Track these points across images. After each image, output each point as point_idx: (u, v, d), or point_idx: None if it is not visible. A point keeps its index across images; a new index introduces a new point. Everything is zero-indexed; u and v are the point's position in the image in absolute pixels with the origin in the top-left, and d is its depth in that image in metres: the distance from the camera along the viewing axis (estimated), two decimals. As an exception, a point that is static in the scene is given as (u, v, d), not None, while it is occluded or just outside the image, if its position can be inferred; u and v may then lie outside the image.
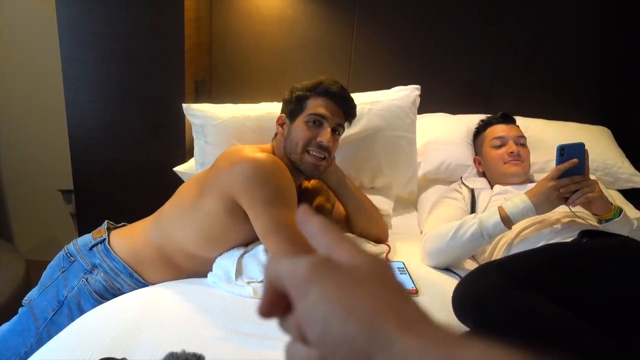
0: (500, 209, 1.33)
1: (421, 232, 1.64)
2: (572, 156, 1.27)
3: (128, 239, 1.36)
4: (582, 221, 1.37)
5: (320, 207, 1.48)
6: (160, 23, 1.83)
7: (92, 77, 1.89)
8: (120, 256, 1.32)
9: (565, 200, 1.29)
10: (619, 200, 1.83)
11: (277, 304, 0.30)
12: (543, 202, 1.29)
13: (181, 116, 1.80)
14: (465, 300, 0.95)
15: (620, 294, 0.97)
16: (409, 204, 1.87)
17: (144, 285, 1.32)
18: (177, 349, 0.86)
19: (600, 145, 1.95)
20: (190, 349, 1.03)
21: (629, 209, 1.82)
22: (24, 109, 2.34)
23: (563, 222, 1.38)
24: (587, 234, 1.26)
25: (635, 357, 0.89)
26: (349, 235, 1.47)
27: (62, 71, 1.87)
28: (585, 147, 1.29)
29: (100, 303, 1.23)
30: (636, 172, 1.91)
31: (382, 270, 0.30)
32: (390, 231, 1.61)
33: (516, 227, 1.38)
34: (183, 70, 1.86)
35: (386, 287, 0.29)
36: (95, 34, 1.84)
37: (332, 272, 0.29)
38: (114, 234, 1.38)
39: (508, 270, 0.98)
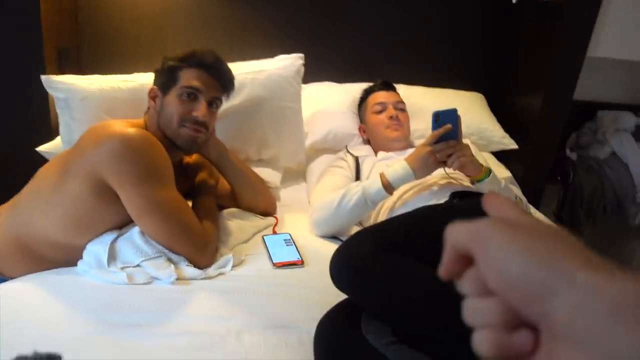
0: (381, 175, 1.36)
1: (309, 203, 1.65)
2: (446, 122, 1.33)
3: (-21, 231, 1.21)
4: (456, 182, 1.45)
5: (202, 182, 1.42)
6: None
7: None
8: (-31, 250, 1.17)
9: (441, 164, 1.35)
10: (491, 161, 1.97)
11: (456, 264, 0.32)
12: (421, 167, 1.34)
13: (44, 90, 1.62)
14: (341, 268, 0.96)
15: None
16: (297, 175, 1.86)
17: (2, 280, 1.18)
18: (29, 348, 0.77)
19: (474, 111, 2.07)
20: (55, 347, 0.93)
21: (501, 170, 1.98)
22: None
23: (440, 184, 1.44)
24: (458, 195, 1.33)
25: None
26: None
27: None
28: (458, 113, 1.35)
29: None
30: (506, 134, 2.06)
31: (561, 230, 0.31)
32: (278, 203, 1.59)
33: (397, 192, 1.42)
34: (41, 37, 1.66)
35: (566, 240, 0.29)
36: None
37: (510, 225, 0.30)
38: (-37, 226, 1.22)
39: (381, 235, 1.00)
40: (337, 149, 1.84)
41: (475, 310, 0.31)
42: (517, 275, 0.28)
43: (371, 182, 1.37)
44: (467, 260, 0.32)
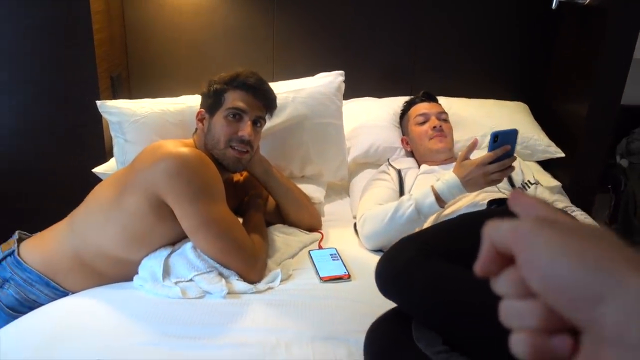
0: (433, 189, 1.36)
1: (354, 217, 1.66)
2: (505, 142, 1.30)
3: (40, 248, 1.28)
4: (504, 195, 1.43)
5: (252, 199, 1.46)
6: (66, 18, 1.71)
7: (1, 80, 1.76)
8: (33, 266, 1.24)
9: (494, 182, 1.34)
10: (537, 171, 1.93)
11: (494, 261, 0.31)
12: (472, 184, 1.33)
13: (98, 115, 1.71)
14: (385, 276, 0.96)
15: None
16: (340, 190, 1.88)
17: (64, 294, 1.25)
18: (96, 358, 0.81)
19: (518, 120, 2.04)
20: (115, 358, 0.98)
21: (547, 179, 1.93)
22: None
23: (486, 197, 1.43)
24: (496, 202, 1.32)
25: None
26: None
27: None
28: (517, 133, 1.32)
29: (15, 318, 1.15)
30: (551, 142, 2.01)
31: (605, 231, 0.30)
32: (323, 218, 1.61)
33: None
34: (95, 66, 1.76)
35: (611, 242, 0.28)
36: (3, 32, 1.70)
37: (556, 226, 0.29)
38: (25, 243, 1.30)
39: (423, 242, 1.01)
40: (379, 163, 1.85)
41: (514, 312, 0.30)
42: (564, 279, 0.27)
43: (423, 195, 1.37)
44: (505, 259, 0.31)
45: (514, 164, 1.33)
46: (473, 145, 1.37)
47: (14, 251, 1.28)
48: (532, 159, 2.00)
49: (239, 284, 1.18)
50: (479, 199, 1.43)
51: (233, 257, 1.21)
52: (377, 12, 2.13)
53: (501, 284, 0.31)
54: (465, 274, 0.91)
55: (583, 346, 0.27)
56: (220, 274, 1.20)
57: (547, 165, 2.04)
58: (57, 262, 1.26)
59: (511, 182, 1.56)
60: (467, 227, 1.06)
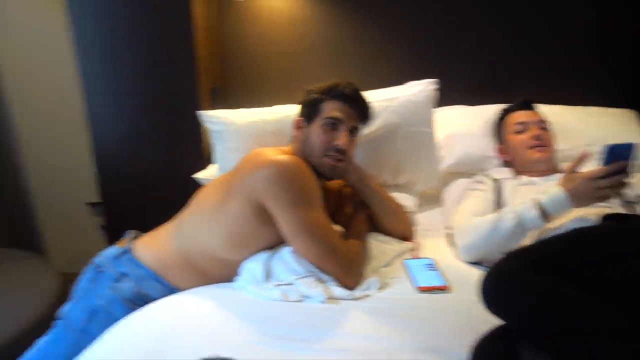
0: (537, 203, 1.29)
1: (446, 227, 1.63)
2: (619, 156, 1.22)
3: (151, 247, 1.38)
4: (618, 210, 1.34)
5: (359, 206, 1.48)
6: (172, 34, 1.85)
7: (111, 90, 1.92)
8: (146, 263, 1.34)
9: (602, 199, 1.25)
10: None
11: None
12: (581, 199, 1.25)
13: (198, 125, 1.83)
14: (492, 291, 0.93)
15: None
16: (432, 199, 1.85)
17: (173, 290, 1.33)
18: (210, 353, 0.86)
19: (626, 129, 1.90)
20: (224, 354, 1.03)
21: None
22: (47, 125, 2.39)
23: (594, 212, 1.34)
24: (610, 217, 1.23)
25: None
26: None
27: (83, 86, 1.91)
28: (635, 148, 1.22)
29: (132, 310, 1.24)
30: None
31: None
32: (415, 227, 1.59)
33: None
34: (197, 79, 1.88)
35: None
36: (110, 49, 1.87)
37: None
38: (138, 242, 1.41)
39: (534, 257, 0.96)
40: (471, 172, 1.80)
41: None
42: None
43: (527, 209, 1.30)
44: None
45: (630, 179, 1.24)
46: (583, 158, 1.29)
47: (128, 249, 1.39)
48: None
49: (337, 290, 1.20)
50: (586, 213, 1.34)
51: (329, 262, 1.23)
52: (468, 17, 2.09)
53: None
54: (581, 294, 0.86)
55: None
56: (319, 279, 1.22)
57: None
58: (166, 260, 1.35)
59: (623, 196, 1.45)
60: (585, 243, 1.00)
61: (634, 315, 0.82)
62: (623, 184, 1.22)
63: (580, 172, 1.26)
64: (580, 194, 1.24)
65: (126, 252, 1.39)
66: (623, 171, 1.22)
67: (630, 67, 2.10)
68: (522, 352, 0.88)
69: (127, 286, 1.32)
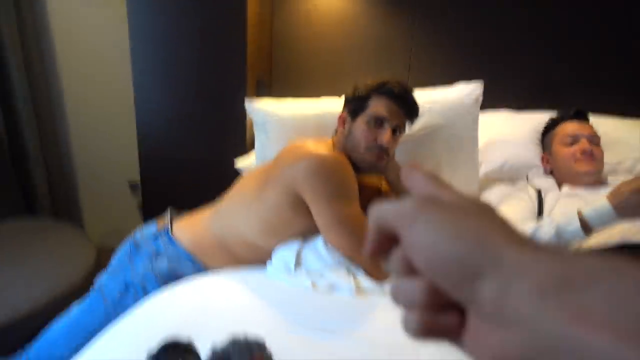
0: (579, 214, 1.25)
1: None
2: None
3: (189, 229, 1.41)
4: None
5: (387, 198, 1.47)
6: (225, 28, 1.89)
7: (160, 77, 1.98)
8: (182, 244, 1.37)
9: None
10: None
11: (382, 243, 0.32)
12: (628, 212, 1.19)
13: (242, 114, 1.85)
14: None
15: None
16: (469, 204, 1.81)
17: (204, 270, 1.36)
18: (246, 333, 0.87)
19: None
20: (252, 335, 1.04)
21: None
22: (95, 107, 2.48)
23: (636, 230, 1.29)
24: None
25: None
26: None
27: (132, 71, 1.97)
28: None
29: (164, 287, 1.28)
30: None
31: (486, 206, 0.30)
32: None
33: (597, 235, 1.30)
34: (245, 71, 1.91)
35: (492, 217, 0.29)
36: (164, 37, 1.93)
37: (438, 205, 0.30)
38: (177, 223, 1.45)
39: None
40: (512, 180, 1.76)
41: (401, 290, 0.30)
42: (442, 256, 0.27)
43: (567, 221, 1.26)
44: (393, 240, 0.31)
45: None
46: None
47: (168, 228, 1.42)
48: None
49: (366, 282, 1.20)
50: (632, 230, 1.29)
51: (361, 254, 1.23)
52: (520, 20, 2.03)
53: (390, 264, 0.31)
54: None
55: (468, 322, 0.27)
56: (349, 270, 1.22)
57: None
58: (203, 242, 1.38)
59: None
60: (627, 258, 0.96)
61: None
62: None
63: (628, 184, 1.21)
64: (627, 206, 1.19)
65: (165, 231, 1.43)
66: None
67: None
68: None
69: (162, 264, 1.36)
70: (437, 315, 0.29)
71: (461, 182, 1.74)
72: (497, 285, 0.25)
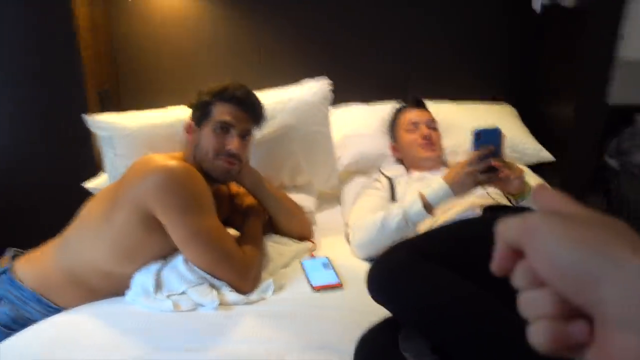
0: (421, 195, 1.36)
1: (346, 225, 1.66)
2: (488, 141, 1.29)
3: (34, 265, 1.29)
4: (494, 202, 1.44)
5: (250, 208, 1.46)
6: (52, 37, 1.73)
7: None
8: (26, 284, 1.24)
9: (481, 183, 1.32)
10: (526, 173, 1.93)
11: (508, 259, 0.32)
12: (460, 187, 1.32)
13: (87, 130, 1.72)
14: (376, 280, 0.97)
15: None
16: (332, 198, 1.88)
17: (57, 310, 1.25)
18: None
19: (506, 123, 2.05)
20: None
21: (536, 180, 1.93)
22: None
23: (480, 204, 1.43)
24: (491, 209, 1.32)
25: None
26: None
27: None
28: (501, 131, 1.31)
29: (9, 335, 1.14)
30: (541, 147, 2.02)
31: (614, 220, 0.30)
32: (315, 227, 1.61)
33: (437, 212, 1.42)
34: (83, 82, 1.77)
35: (618, 230, 0.29)
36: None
37: (562, 216, 0.30)
38: (19, 261, 1.31)
39: (416, 246, 1.01)
40: (369, 171, 1.86)
41: (529, 302, 0.31)
42: (565, 264, 0.28)
43: (411, 204, 1.37)
44: (518, 255, 0.32)
45: (511, 164, 1.32)
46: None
47: (7, 269, 1.28)
48: (521, 162, 2.00)
49: (231, 295, 1.18)
50: (473, 205, 1.43)
51: (223, 268, 1.21)
52: (365, 17, 2.15)
53: (516, 278, 0.32)
54: (456, 278, 0.92)
55: (596, 331, 0.27)
56: (212, 286, 1.20)
57: (537, 168, 2.05)
58: (50, 278, 1.26)
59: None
60: (460, 232, 1.06)
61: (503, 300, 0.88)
62: (493, 168, 1.29)
63: (459, 165, 1.34)
64: (458, 182, 1.31)
65: (4, 272, 1.28)
66: (493, 154, 1.29)
67: (506, 66, 2.28)
68: (400, 343, 0.91)
69: (3, 311, 1.22)
70: (567, 325, 0.28)
71: (322, 178, 1.80)
72: (620, 291, 0.26)
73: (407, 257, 0.97)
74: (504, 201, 1.44)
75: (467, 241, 1.02)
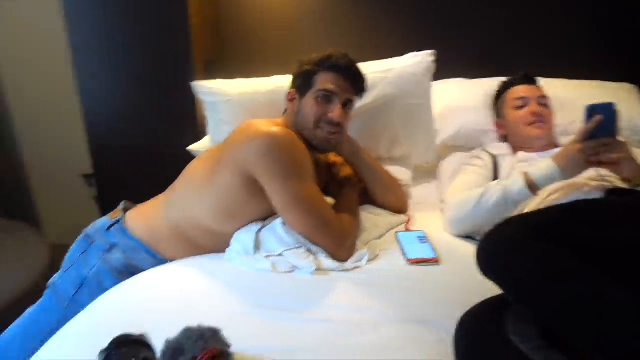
0: (525, 174, 1.28)
1: (441, 201, 1.61)
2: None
3: (142, 218, 1.37)
4: (609, 185, 1.31)
5: (347, 178, 1.46)
6: (164, 4, 1.80)
7: (103, 64, 1.90)
8: (136, 235, 1.33)
9: (593, 164, 1.23)
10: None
11: None
12: (569, 166, 1.22)
13: (192, 97, 1.79)
14: (489, 252, 0.90)
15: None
16: (428, 173, 1.83)
17: (163, 262, 1.33)
18: (195, 324, 0.85)
19: (625, 103, 1.86)
20: (209, 323, 1.03)
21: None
22: (38, 100, 2.37)
23: (591, 185, 1.32)
24: (614, 193, 1.20)
25: None
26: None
27: (73, 60, 1.88)
28: (616, 107, 1.20)
29: (121, 280, 1.24)
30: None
31: None
32: (410, 201, 1.57)
33: (543, 193, 1.32)
34: (190, 50, 1.85)
35: None
36: (102, 22, 1.84)
37: None
38: (130, 213, 1.40)
39: (528, 224, 0.94)
40: (469, 146, 1.78)
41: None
42: None
43: (513, 181, 1.29)
44: None
45: (624, 145, 1.21)
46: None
47: (119, 220, 1.38)
48: (641, 146, 1.81)
49: (327, 261, 1.19)
50: (585, 187, 1.32)
51: (321, 234, 1.22)
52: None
53: None
54: (577, 261, 0.84)
55: None
56: (309, 251, 1.21)
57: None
58: (158, 231, 1.34)
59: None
60: (582, 212, 0.97)
61: (627, 285, 0.80)
62: (607, 145, 1.19)
63: (572, 144, 1.23)
64: (566, 159, 1.21)
65: (117, 223, 1.38)
66: (607, 132, 1.19)
67: (628, 41, 2.05)
68: (509, 326, 0.86)
69: (116, 257, 1.32)
70: None
71: (419, 151, 1.75)
72: None
73: (522, 235, 0.90)
74: (618, 184, 1.31)
75: (586, 221, 0.94)
